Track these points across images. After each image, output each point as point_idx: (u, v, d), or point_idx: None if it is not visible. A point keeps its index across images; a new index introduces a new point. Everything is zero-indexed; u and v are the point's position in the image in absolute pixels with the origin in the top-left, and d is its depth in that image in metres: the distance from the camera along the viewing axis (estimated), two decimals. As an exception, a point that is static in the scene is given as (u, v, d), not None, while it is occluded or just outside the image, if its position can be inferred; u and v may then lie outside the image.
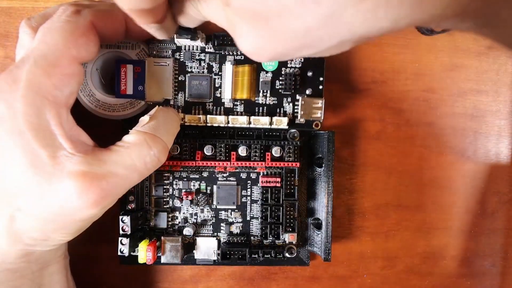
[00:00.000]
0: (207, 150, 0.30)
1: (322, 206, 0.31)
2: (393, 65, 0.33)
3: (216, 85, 0.30)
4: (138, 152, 0.24)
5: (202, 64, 0.30)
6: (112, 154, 0.24)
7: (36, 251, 0.24)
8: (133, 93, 0.29)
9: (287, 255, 0.31)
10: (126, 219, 0.29)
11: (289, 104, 0.31)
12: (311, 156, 0.32)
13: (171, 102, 0.30)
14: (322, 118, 0.30)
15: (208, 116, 0.29)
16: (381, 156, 0.34)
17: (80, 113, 0.33)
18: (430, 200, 0.34)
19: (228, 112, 0.30)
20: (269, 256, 0.31)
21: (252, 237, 0.32)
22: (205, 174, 0.32)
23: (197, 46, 0.30)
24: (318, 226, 0.31)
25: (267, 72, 0.30)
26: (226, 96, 0.30)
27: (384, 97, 0.34)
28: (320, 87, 0.30)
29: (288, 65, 0.30)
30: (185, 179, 0.32)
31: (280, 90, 0.30)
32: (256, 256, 0.31)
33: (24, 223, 0.23)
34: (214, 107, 0.30)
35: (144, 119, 0.26)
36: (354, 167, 0.34)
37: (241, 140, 0.30)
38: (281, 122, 0.30)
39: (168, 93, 0.29)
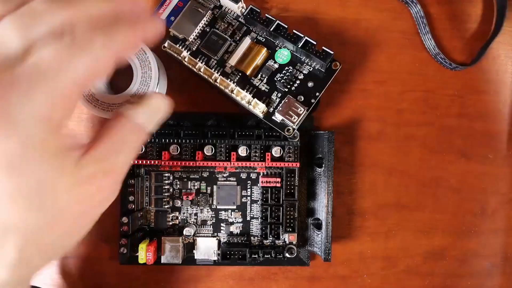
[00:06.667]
0: (207, 150, 0.30)
1: (322, 206, 0.31)
2: (392, 65, 0.33)
3: (229, 50, 0.31)
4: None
5: (230, 28, 0.31)
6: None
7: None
8: (165, 19, 0.31)
9: (287, 255, 0.31)
10: (126, 219, 0.29)
11: (276, 98, 0.30)
12: (311, 156, 0.32)
13: (187, 42, 0.31)
14: (296, 128, 0.29)
15: (220, 77, 0.29)
16: (381, 156, 0.34)
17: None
18: (430, 200, 0.34)
19: (223, 75, 0.30)
20: (269, 256, 0.31)
21: (252, 237, 0.32)
22: (205, 174, 0.32)
23: (234, 12, 0.31)
24: (318, 226, 0.31)
25: (275, 62, 0.30)
26: (231, 62, 0.30)
27: (384, 97, 0.34)
28: (312, 100, 0.30)
29: (296, 67, 0.30)
30: (185, 179, 0.32)
31: (276, 83, 0.30)
32: (256, 256, 0.31)
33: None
34: (216, 66, 0.31)
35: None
36: (354, 167, 0.34)
37: (241, 140, 0.30)
38: (256, 105, 0.29)
39: (190, 33, 0.31)
